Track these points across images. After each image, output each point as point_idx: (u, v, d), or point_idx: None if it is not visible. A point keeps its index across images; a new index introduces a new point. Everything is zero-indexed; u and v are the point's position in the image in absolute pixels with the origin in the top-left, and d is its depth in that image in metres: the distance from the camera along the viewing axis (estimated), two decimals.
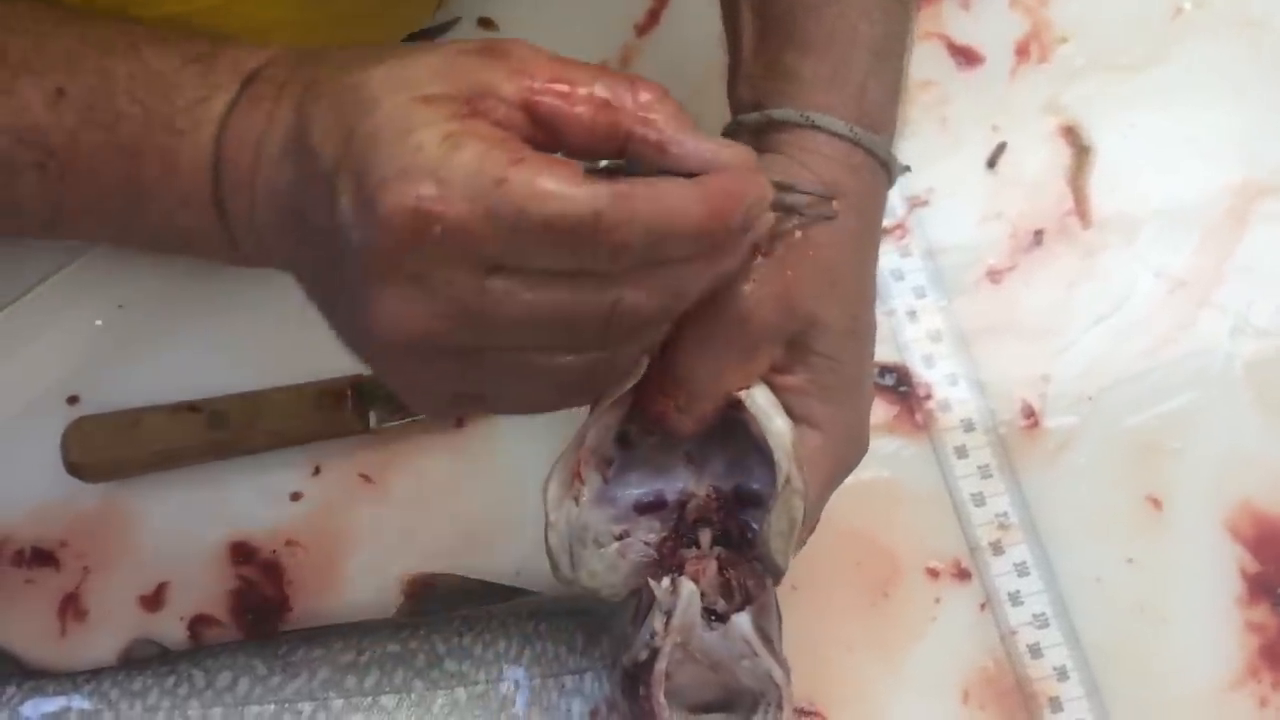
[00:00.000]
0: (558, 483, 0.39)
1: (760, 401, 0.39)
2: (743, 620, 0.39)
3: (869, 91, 0.40)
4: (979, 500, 0.53)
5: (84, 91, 0.37)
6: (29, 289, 0.56)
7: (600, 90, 0.32)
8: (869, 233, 0.42)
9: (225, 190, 0.37)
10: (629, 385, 0.38)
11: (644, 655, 0.38)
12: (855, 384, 0.41)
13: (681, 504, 0.41)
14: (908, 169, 0.42)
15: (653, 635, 0.38)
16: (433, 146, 0.30)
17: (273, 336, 0.54)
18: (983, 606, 0.52)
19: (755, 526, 0.40)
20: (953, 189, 0.58)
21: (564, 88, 0.32)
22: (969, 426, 0.54)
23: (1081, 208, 0.58)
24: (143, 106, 0.37)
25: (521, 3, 0.60)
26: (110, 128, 0.37)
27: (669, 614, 0.38)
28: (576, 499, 0.39)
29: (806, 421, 0.40)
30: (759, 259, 0.38)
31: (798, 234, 0.38)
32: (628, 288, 0.32)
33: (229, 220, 0.37)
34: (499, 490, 0.53)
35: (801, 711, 0.49)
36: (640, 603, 0.40)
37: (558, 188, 0.30)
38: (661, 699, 0.37)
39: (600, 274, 0.32)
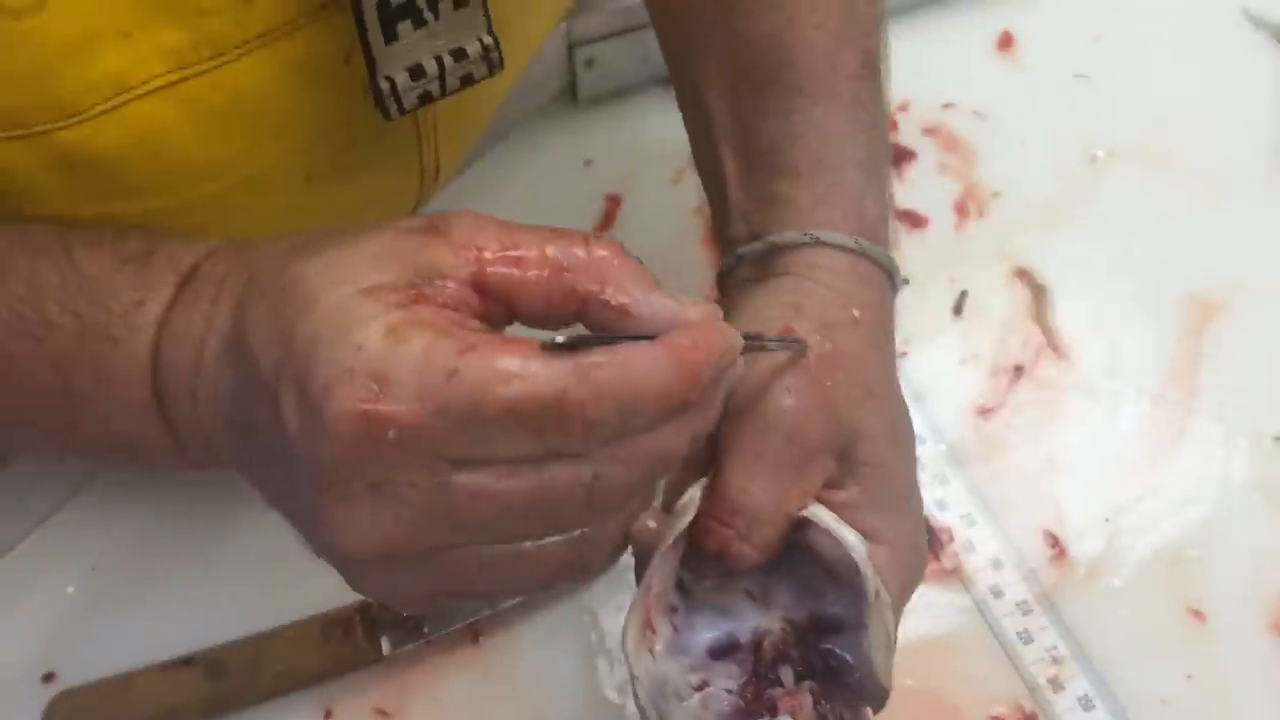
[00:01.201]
0: (633, 635, 0.36)
1: (825, 517, 0.37)
2: None
3: (865, 206, 0.41)
4: (1026, 638, 0.51)
5: (11, 300, 0.35)
6: None
7: (553, 252, 0.31)
8: (889, 340, 0.42)
9: (167, 396, 0.34)
10: (683, 525, 0.36)
11: None
12: (906, 490, 0.40)
13: (756, 643, 0.38)
14: (906, 281, 0.43)
15: None
16: (375, 343, 0.28)
17: (263, 572, 0.50)
18: None
19: (840, 653, 0.38)
20: (928, 337, 0.59)
21: (514, 253, 0.30)
22: (997, 564, 0.53)
23: (1052, 340, 0.59)
24: (74, 315, 0.35)
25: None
26: (39, 339, 0.35)
27: None
28: (651, 651, 0.36)
29: (868, 536, 0.38)
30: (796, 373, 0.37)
31: (828, 345, 0.38)
32: (604, 464, 0.30)
33: (174, 426, 0.35)
34: (524, 705, 0.49)
35: None
36: None
37: (516, 372, 0.28)
38: None
39: (572, 455, 0.29)
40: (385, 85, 0.38)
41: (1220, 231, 0.62)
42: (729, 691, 0.38)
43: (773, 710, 0.37)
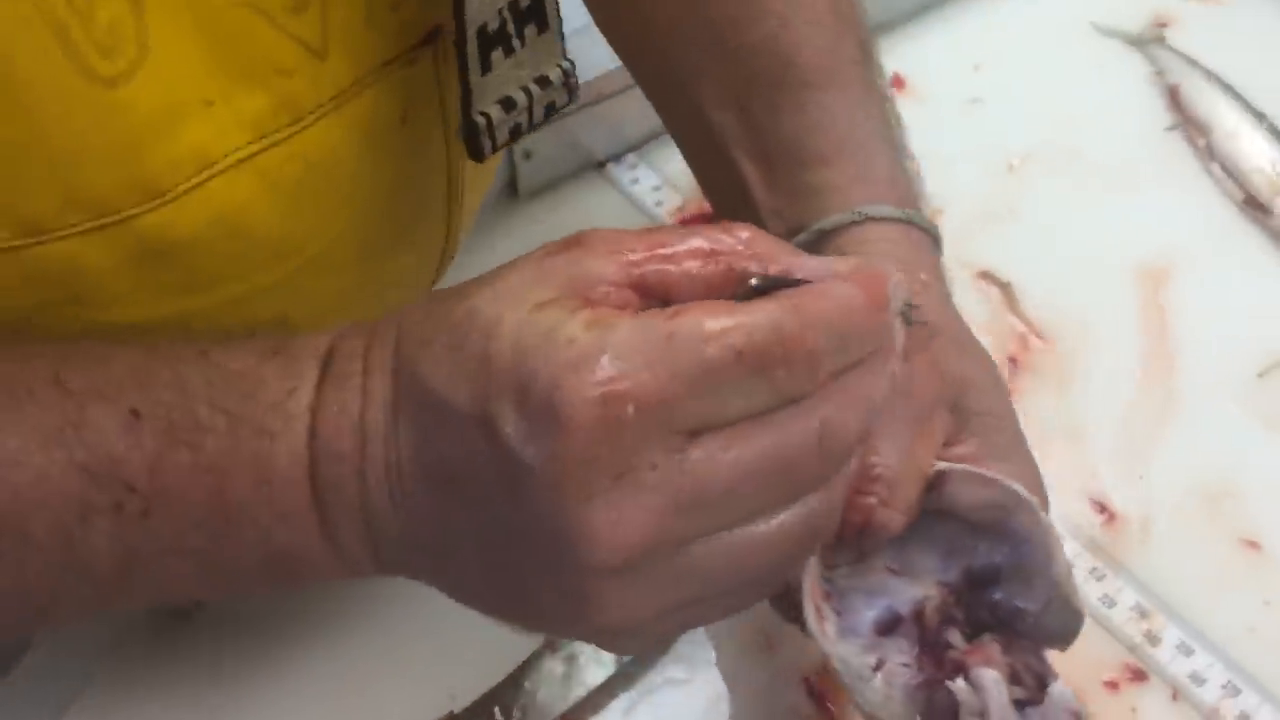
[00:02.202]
0: (812, 620, 0.35)
1: (959, 466, 0.37)
2: (1061, 690, 0.34)
3: (896, 178, 0.43)
4: (1109, 602, 0.52)
5: (162, 409, 0.32)
6: None
7: (700, 242, 0.31)
8: (952, 298, 0.42)
9: (328, 486, 0.32)
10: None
11: None
12: (1018, 435, 0.40)
13: (918, 613, 0.37)
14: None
15: None
16: (584, 334, 0.28)
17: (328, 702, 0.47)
18: (1174, 697, 0.49)
19: (1008, 600, 0.37)
20: None
21: (664, 250, 0.30)
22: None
23: (1033, 328, 0.61)
24: (226, 414, 0.32)
25: None
26: (195, 446, 0.32)
27: (982, 713, 0.34)
28: (825, 635, 0.35)
29: None
30: None
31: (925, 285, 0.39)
32: (828, 405, 0.30)
33: (330, 527, 0.32)
34: None
35: None
36: None
37: (729, 320, 0.28)
38: None
39: (798, 398, 0.29)
40: (481, 121, 0.38)
41: (1142, 209, 0.67)
42: (905, 665, 0.37)
43: (960, 670, 0.36)
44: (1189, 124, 0.70)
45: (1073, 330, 0.61)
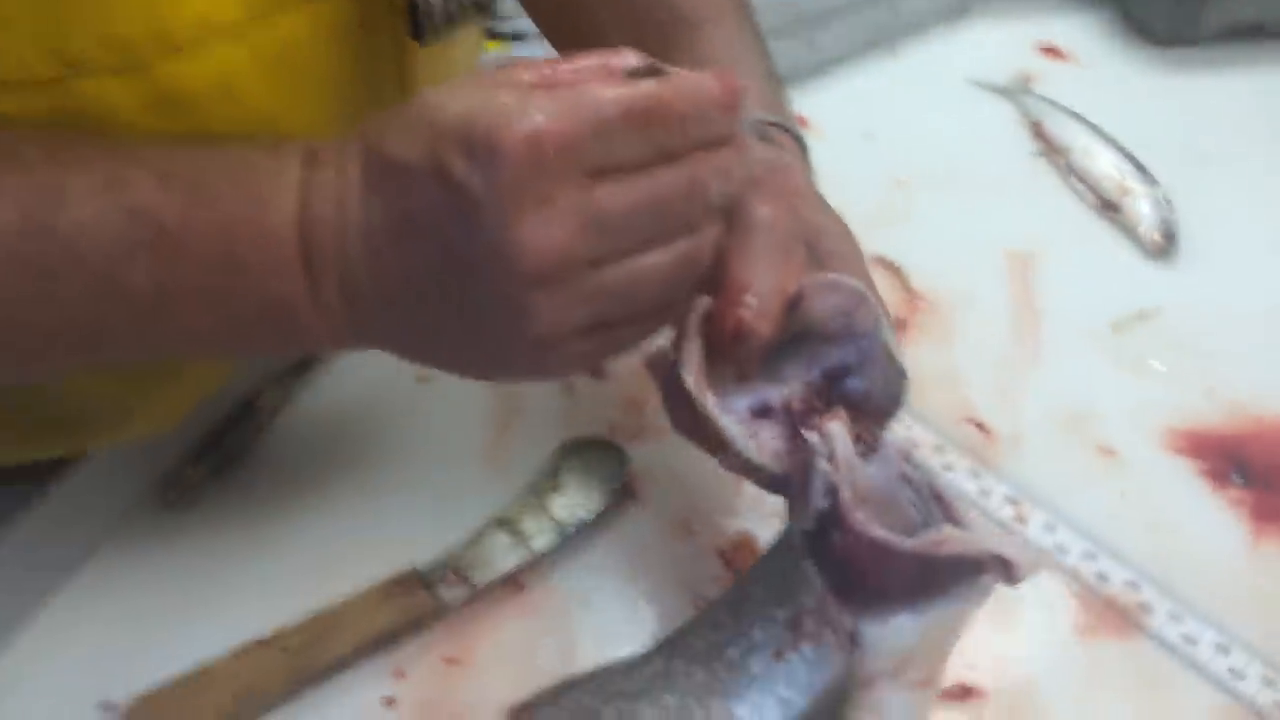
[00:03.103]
0: (697, 393, 0.43)
1: (813, 277, 0.45)
2: (892, 438, 0.42)
3: (769, 94, 0.53)
4: (984, 494, 0.59)
5: (187, 174, 0.40)
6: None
7: (595, 58, 0.40)
8: (814, 184, 0.52)
9: (313, 246, 0.41)
10: (701, 309, 0.44)
11: (825, 503, 0.40)
12: (865, 272, 0.48)
13: (786, 405, 0.45)
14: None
15: (824, 479, 0.41)
16: (513, 97, 0.37)
17: (316, 564, 0.53)
18: None
19: (854, 384, 0.45)
20: None
21: (570, 64, 0.40)
22: (940, 449, 0.62)
23: (919, 297, 0.71)
24: (233, 184, 0.41)
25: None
26: (211, 204, 0.40)
27: (830, 455, 0.41)
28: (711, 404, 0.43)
29: None
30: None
31: (782, 161, 0.48)
32: (693, 165, 0.39)
33: (315, 281, 0.41)
34: (571, 636, 0.52)
35: None
36: (794, 481, 0.42)
37: (620, 88, 0.38)
38: (863, 517, 0.39)
39: (671, 154, 0.39)
40: (419, 3, 0.47)
41: (1013, 211, 0.77)
42: (774, 439, 0.44)
43: (816, 428, 0.43)
44: (1050, 150, 0.82)
45: (953, 299, 0.71)
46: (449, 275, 0.39)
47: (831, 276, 0.45)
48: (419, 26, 0.48)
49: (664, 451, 0.60)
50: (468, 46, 0.62)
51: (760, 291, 0.44)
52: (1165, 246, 0.73)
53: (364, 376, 0.65)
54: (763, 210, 0.45)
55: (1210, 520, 0.59)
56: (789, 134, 0.52)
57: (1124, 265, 0.74)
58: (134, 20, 0.41)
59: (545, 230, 0.37)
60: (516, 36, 0.99)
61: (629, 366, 0.64)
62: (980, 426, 0.63)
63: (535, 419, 0.62)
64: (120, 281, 0.39)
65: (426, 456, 0.61)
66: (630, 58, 0.40)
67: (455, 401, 0.63)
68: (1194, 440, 0.63)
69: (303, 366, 0.65)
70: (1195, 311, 0.70)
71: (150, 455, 0.58)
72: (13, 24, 0.39)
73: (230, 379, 0.61)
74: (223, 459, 0.59)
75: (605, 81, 0.38)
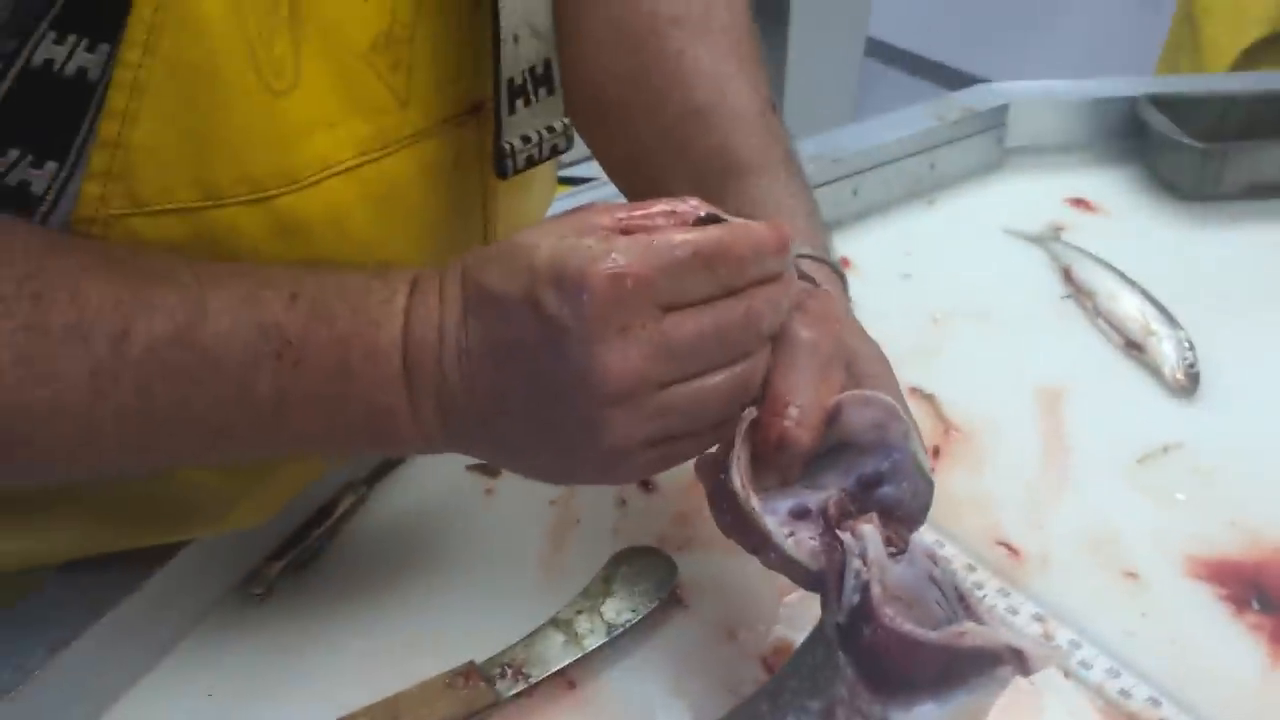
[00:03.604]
0: (741, 494, 0.47)
1: (850, 392, 0.50)
2: (920, 539, 0.46)
3: (815, 232, 0.58)
4: (1012, 611, 0.63)
5: (311, 295, 0.46)
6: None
7: (664, 205, 0.47)
8: (853, 312, 0.57)
9: (413, 367, 0.46)
10: (747, 422, 0.48)
11: (857, 599, 0.44)
12: (903, 399, 0.53)
13: (823, 510, 0.49)
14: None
15: (857, 575, 0.45)
16: (597, 243, 0.44)
17: (383, 655, 0.57)
18: (1066, 675, 0.59)
19: (887, 492, 0.49)
20: None
21: (641, 210, 0.46)
22: (971, 568, 0.65)
23: (952, 426, 0.75)
24: (350, 307, 0.47)
25: None
26: (330, 323, 0.46)
27: (863, 555, 0.45)
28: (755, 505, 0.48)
29: None
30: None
31: (822, 293, 0.53)
32: (751, 299, 0.45)
33: (414, 394, 0.47)
34: None
35: None
36: (828, 577, 0.46)
37: (690, 234, 0.44)
38: (892, 613, 0.43)
39: (731, 290, 0.45)
40: (507, 147, 0.54)
41: (1042, 349, 0.82)
42: (812, 539, 0.48)
43: (850, 530, 0.47)
44: (1079, 293, 0.87)
45: (984, 429, 0.75)
46: (535, 394, 0.45)
47: (866, 392, 0.50)
48: (503, 167, 0.55)
49: (710, 562, 0.64)
50: (543, 184, 0.69)
51: (802, 405, 0.49)
52: (1188, 385, 0.78)
53: (433, 487, 0.70)
54: (805, 333, 0.50)
55: (1229, 643, 0.61)
56: (830, 268, 0.57)
57: (1149, 402, 0.78)
58: (267, 160, 0.47)
59: (623, 356, 0.43)
60: (582, 180, 1.08)
61: (678, 483, 0.69)
62: (1009, 548, 0.67)
63: (590, 530, 0.67)
64: (248, 387, 0.45)
65: (488, 562, 0.65)
66: (695, 206, 0.46)
67: (517, 513, 0.68)
68: (1215, 567, 0.66)
69: (376, 475, 0.70)
70: (1217, 446, 0.74)
71: (237, 550, 0.63)
72: (169, 163, 0.46)
73: (314, 482, 0.66)
74: (301, 557, 0.65)
75: (676, 227, 0.44)
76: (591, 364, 0.43)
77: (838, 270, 0.58)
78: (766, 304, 0.46)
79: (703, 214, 0.46)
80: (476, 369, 0.46)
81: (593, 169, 1.02)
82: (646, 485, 0.70)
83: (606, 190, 0.84)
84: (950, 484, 0.71)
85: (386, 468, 0.71)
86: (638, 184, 0.64)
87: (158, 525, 0.57)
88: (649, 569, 0.63)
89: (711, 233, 0.44)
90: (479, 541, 0.67)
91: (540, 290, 0.43)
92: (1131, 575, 0.65)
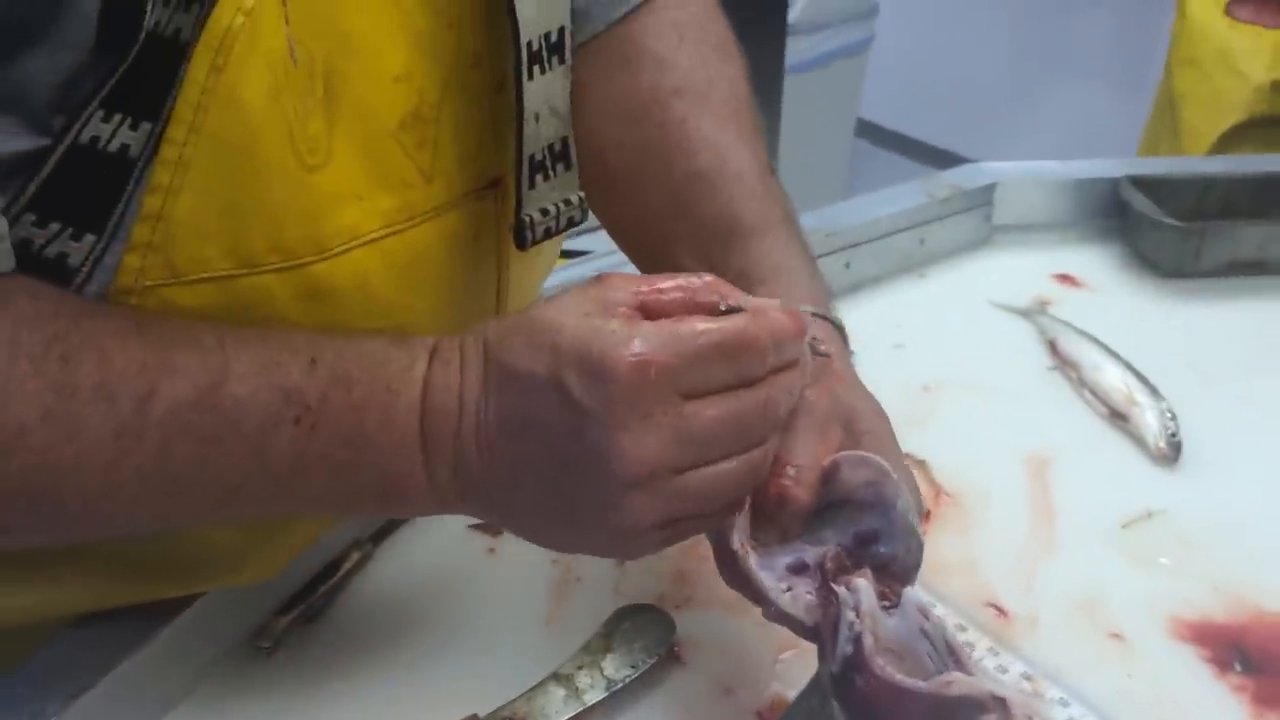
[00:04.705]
0: (740, 553, 0.50)
1: (845, 452, 0.52)
2: (911, 591, 0.48)
3: (814, 289, 0.61)
4: (1001, 670, 0.64)
5: (330, 361, 0.48)
6: None
7: (680, 281, 0.49)
8: (853, 368, 0.60)
9: (431, 435, 0.48)
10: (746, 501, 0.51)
11: (850, 649, 0.46)
12: (898, 452, 0.55)
13: (820, 564, 0.51)
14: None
15: (851, 627, 0.47)
16: (620, 327, 0.46)
17: (387, 709, 0.59)
18: None
19: (881, 550, 0.51)
20: None
21: (658, 285, 0.48)
22: (962, 628, 0.67)
23: (943, 491, 0.77)
24: (368, 373, 0.49)
25: None
26: (348, 389, 0.48)
27: (856, 607, 0.47)
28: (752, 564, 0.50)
29: None
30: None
31: (822, 352, 0.55)
32: (769, 388, 0.48)
33: (430, 462, 0.49)
34: None
35: None
36: (824, 629, 0.49)
37: (713, 323, 0.46)
38: (883, 663, 0.45)
39: (750, 381, 0.47)
40: (526, 219, 0.57)
41: (1029, 418, 0.85)
42: (809, 594, 0.50)
43: (845, 584, 0.50)
44: (1065, 364, 0.90)
45: (974, 494, 0.77)
46: (552, 471, 0.47)
47: (861, 454, 0.52)
48: (523, 238, 0.58)
49: (708, 620, 0.66)
50: (550, 252, 0.72)
51: (800, 464, 0.51)
52: (1170, 454, 0.80)
53: (437, 545, 0.72)
54: (806, 394, 0.53)
55: (1212, 703, 0.63)
56: (832, 324, 0.60)
57: (1133, 470, 0.80)
58: (300, 230, 0.50)
59: (642, 443, 0.45)
60: (580, 253, 1.11)
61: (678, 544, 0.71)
62: (999, 610, 0.68)
63: (591, 587, 0.69)
64: (266, 449, 0.47)
65: (491, 619, 0.67)
66: (710, 284, 0.48)
67: (519, 571, 0.70)
68: (1198, 630, 0.68)
69: (382, 533, 0.72)
70: (1199, 513, 0.76)
71: (245, 605, 0.65)
72: (208, 234, 0.48)
73: (321, 538, 0.68)
74: (308, 612, 0.66)
75: (700, 316, 0.46)
76: (611, 448, 0.45)
77: (838, 325, 0.60)
78: (782, 392, 0.48)
79: (724, 307, 0.48)
80: (495, 442, 0.48)
81: (591, 242, 1.06)
82: None
83: (604, 263, 0.87)
84: (941, 547, 0.73)
85: (391, 526, 0.72)
86: (646, 248, 0.67)
87: (169, 580, 0.59)
88: (648, 626, 0.64)
89: (734, 323, 0.46)
90: (482, 598, 0.68)
91: (564, 372, 0.45)
92: (1117, 637, 0.67)
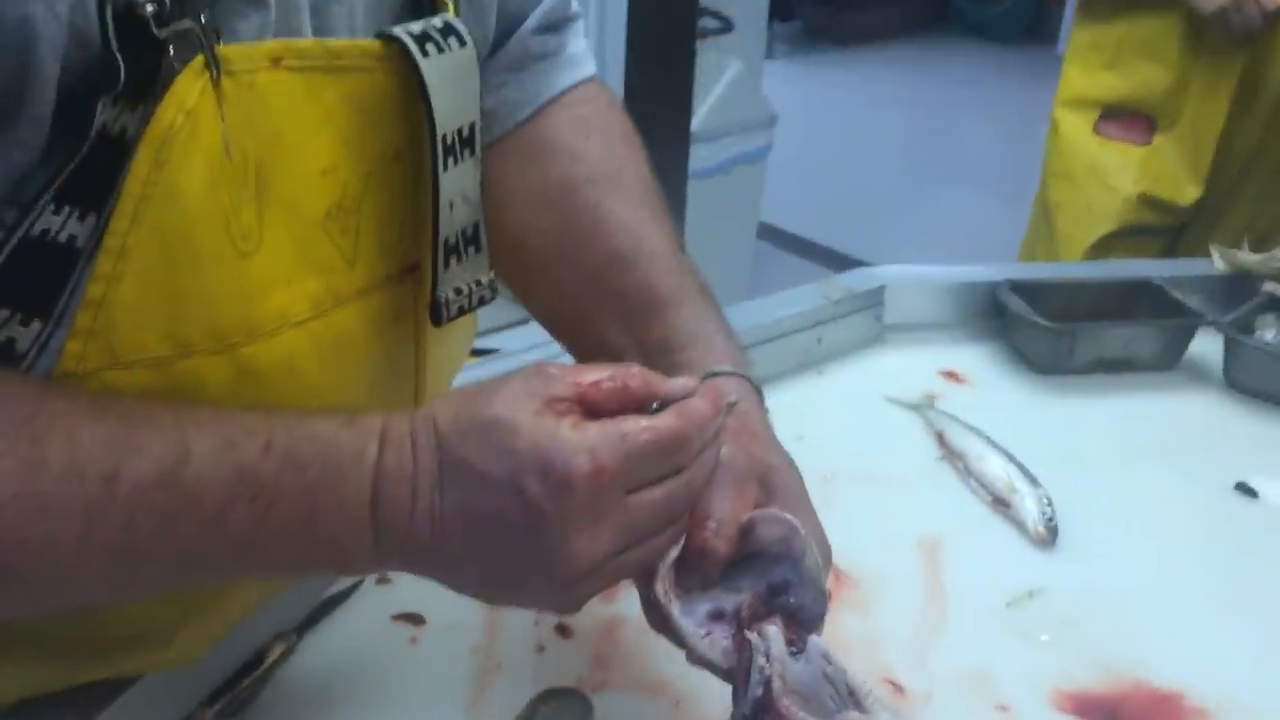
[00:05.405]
0: (663, 600, 0.55)
1: (760, 510, 0.58)
2: (815, 640, 0.53)
3: (732, 350, 0.66)
4: None
5: (284, 444, 0.51)
6: None
7: (613, 379, 0.53)
8: (769, 424, 0.65)
9: (382, 520, 0.52)
10: (674, 555, 0.55)
11: (760, 691, 0.51)
12: (808, 502, 0.61)
13: (736, 611, 0.56)
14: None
15: (761, 670, 0.51)
16: (570, 434, 0.50)
17: None
18: None
19: (791, 600, 0.56)
20: None
21: (591, 379, 0.53)
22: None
23: (841, 575, 0.82)
24: (320, 456, 0.51)
25: None
26: (301, 471, 0.51)
27: (767, 652, 0.52)
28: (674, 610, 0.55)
29: None
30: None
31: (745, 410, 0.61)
32: (694, 471, 0.54)
33: (380, 543, 0.52)
34: None
35: None
36: (737, 673, 0.54)
37: (650, 423, 0.52)
38: (789, 704, 0.49)
39: (680, 467, 0.53)
40: (441, 298, 0.61)
41: (919, 505, 0.91)
42: (725, 640, 0.55)
43: (758, 631, 0.55)
44: (951, 454, 0.97)
45: (871, 577, 0.82)
46: (505, 558, 0.51)
47: (773, 511, 0.57)
48: (438, 315, 0.62)
49: (625, 701, 0.69)
50: (464, 331, 0.76)
51: (719, 519, 0.57)
52: (1048, 538, 0.86)
53: (362, 636, 0.74)
54: (725, 451, 0.58)
55: None
56: (748, 382, 0.65)
57: (1015, 552, 0.86)
58: (233, 314, 0.53)
59: (594, 540, 0.50)
60: (489, 351, 1.15)
61: (595, 628, 0.74)
62: (896, 685, 0.73)
63: (511, 674, 0.72)
64: (224, 524, 0.49)
65: (415, 706, 0.69)
66: (638, 375, 0.53)
67: (441, 660, 0.73)
68: (1079, 701, 0.73)
69: (306, 624, 0.74)
70: (1076, 592, 0.82)
71: (172, 696, 0.66)
72: (146, 319, 0.51)
73: (246, 627, 0.70)
74: (233, 705, 0.68)
75: (637, 416, 0.51)
76: (567, 547, 0.50)
77: (755, 384, 0.65)
78: (702, 471, 0.54)
79: (654, 406, 0.53)
80: (449, 529, 0.51)
81: (498, 340, 1.10)
82: (564, 631, 0.75)
83: (513, 362, 0.91)
84: (842, 626, 0.77)
85: (315, 617, 0.74)
86: (569, 325, 0.72)
87: (94, 660, 0.60)
88: (567, 709, 0.67)
89: (667, 423, 0.52)
90: (405, 687, 0.71)
91: (524, 477, 0.49)
92: (1004, 709, 0.72)
